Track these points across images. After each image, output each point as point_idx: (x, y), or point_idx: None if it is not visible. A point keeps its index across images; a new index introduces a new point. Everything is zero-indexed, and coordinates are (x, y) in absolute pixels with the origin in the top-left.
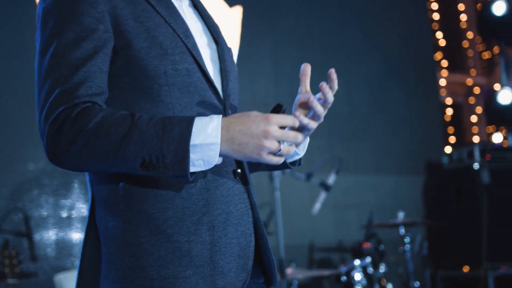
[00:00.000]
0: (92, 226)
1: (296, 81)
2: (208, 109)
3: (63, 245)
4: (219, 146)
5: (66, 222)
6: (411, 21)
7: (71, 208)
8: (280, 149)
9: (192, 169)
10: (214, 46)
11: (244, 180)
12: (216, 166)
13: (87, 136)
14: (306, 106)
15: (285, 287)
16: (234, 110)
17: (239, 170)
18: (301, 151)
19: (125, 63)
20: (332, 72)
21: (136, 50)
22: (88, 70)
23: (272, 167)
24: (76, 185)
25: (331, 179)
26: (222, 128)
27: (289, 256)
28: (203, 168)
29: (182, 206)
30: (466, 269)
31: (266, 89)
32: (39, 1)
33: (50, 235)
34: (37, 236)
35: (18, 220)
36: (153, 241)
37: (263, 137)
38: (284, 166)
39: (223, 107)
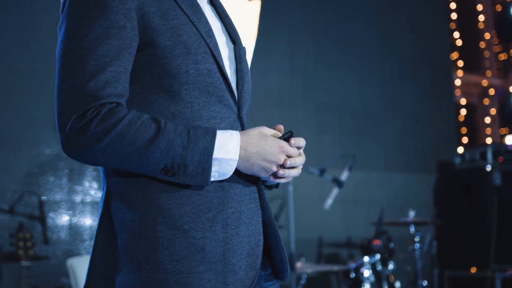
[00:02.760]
0: (106, 217)
1: (311, 76)
2: (224, 109)
3: (75, 230)
4: (236, 162)
5: (79, 207)
6: (429, 19)
7: (85, 193)
8: (280, 173)
9: (211, 178)
10: (231, 45)
11: (255, 180)
12: None
13: (114, 137)
14: None
15: (294, 280)
16: (247, 110)
17: None
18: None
19: (148, 61)
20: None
21: (160, 49)
22: (115, 70)
23: None
24: (90, 171)
25: (344, 176)
26: (241, 147)
27: (298, 250)
28: (216, 179)
29: (198, 203)
30: (473, 270)
31: (280, 83)
32: None
33: (63, 219)
34: (50, 220)
35: (32, 203)
36: (169, 236)
37: (274, 164)
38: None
39: (238, 108)
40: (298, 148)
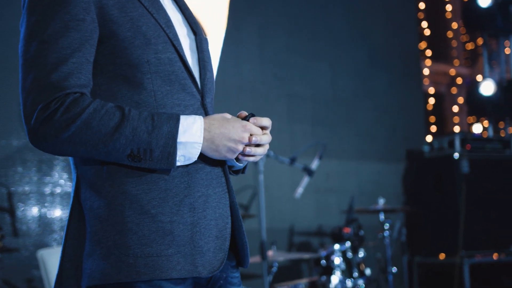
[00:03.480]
0: (76, 206)
1: (282, 65)
2: (187, 97)
3: (45, 221)
4: (201, 145)
5: (49, 198)
6: (397, 9)
7: (55, 184)
8: (245, 153)
9: (175, 166)
10: (192, 36)
11: (221, 165)
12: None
13: (79, 125)
14: None
15: (266, 269)
16: (211, 98)
17: None
18: (243, 163)
19: (109, 52)
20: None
21: (121, 40)
22: (77, 61)
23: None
24: (59, 162)
25: (315, 164)
26: (204, 129)
27: (270, 239)
28: (182, 163)
29: (165, 188)
30: (442, 256)
31: (252, 72)
32: None
33: (33, 211)
34: (19, 212)
35: (1, 195)
36: (138, 220)
37: (239, 142)
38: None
39: (201, 96)
40: (263, 128)
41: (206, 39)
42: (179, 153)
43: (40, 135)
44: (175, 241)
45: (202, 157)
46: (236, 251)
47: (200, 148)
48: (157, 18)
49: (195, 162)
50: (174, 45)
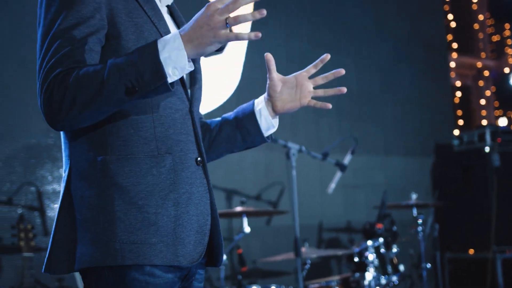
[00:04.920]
0: (67, 196)
1: (307, 60)
2: (178, 102)
3: None
4: (184, 50)
5: None
6: (422, 2)
7: None
8: (227, 22)
9: (170, 79)
10: None
11: (203, 167)
12: (182, 151)
13: (72, 89)
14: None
15: (300, 266)
16: (198, 107)
17: (199, 158)
18: (276, 124)
19: (114, 50)
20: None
21: (125, 40)
22: (79, 47)
23: (247, 145)
24: None
25: (347, 159)
26: (180, 35)
27: (301, 236)
28: (179, 76)
29: (152, 183)
30: (473, 251)
31: (277, 68)
32: None
33: None
34: (49, 211)
35: (31, 194)
36: (125, 210)
37: (209, 20)
38: (261, 141)
39: (189, 103)
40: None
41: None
42: (169, 67)
43: (49, 115)
44: (159, 231)
45: (188, 158)
46: (211, 250)
47: (185, 53)
48: (158, 27)
49: (181, 162)
50: None
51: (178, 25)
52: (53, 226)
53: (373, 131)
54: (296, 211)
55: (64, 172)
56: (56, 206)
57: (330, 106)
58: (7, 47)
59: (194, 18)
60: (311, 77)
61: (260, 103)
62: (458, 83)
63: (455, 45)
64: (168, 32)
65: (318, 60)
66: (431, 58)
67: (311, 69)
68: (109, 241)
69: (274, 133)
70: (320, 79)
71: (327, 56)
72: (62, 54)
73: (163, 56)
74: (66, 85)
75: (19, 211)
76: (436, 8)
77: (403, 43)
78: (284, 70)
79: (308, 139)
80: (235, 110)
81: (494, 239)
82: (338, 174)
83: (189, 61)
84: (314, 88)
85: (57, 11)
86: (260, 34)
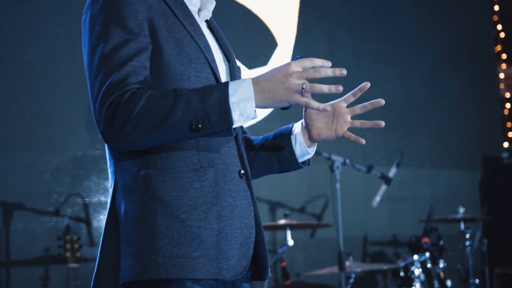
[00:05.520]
0: (112, 210)
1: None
2: None
3: None
4: (253, 99)
5: None
6: (471, 11)
7: None
8: (303, 87)
9: (235, 124)
10: (226, 62)
11: (247, 179)
12: (225, 164)
13: (139, 112)
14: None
15: (344, 280)
16: None
17: (242, 171)
18: (312, 152)
19: (156, 65)
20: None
21: (167, 55)
22: (135, 64)
23: (284, 169)
24: None
25: (392, 172)
26: (253, 83)
27: (345, 249)
28: (243, 123)
29: (194, 196)
30: None
31: (322, 79)
32: (86, 8)
33: None
34: (95, 222)
35: (78, 205)
36: (168, 224)
37: (286, 79)
38: (296, 166)
39: None
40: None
41: (238, 67)
42: (236, 113)
43: (110, 132)
44: (202, 245)
45: (231, 171)
46: (256, 263)
47: (254, 102)
48: (198, 42)
49: (224, 175)
50: (211, 67)
51: (217, 39)
52: (100, 241)
53: (419, 143)
54: (340, 224)
55: (110, 187)
56: (102, 217)
57: (363, 141)
58: (61, 58)
59: (271, 70)
60: (350, 105)
61: (297, 127)
62: (508, 95)
63: (504, 56)
64: (207, 46)
65: (357, 88)
66: (480, 68)
67: (349, 97)
68: (152, 255)
69: (318, 145)
70: (358, 109)
71: (366, 85)
72: (120, 72)
73: (232, 100)
74: (132, 106)
75: (66, 222)
76: (485, 17)
77: (450, 52)
78: (329, 81)
79: (353, 151)
80: (275, 131)
81: None
82: (383, 187)
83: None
84: (352, 118)
85: (103, 29)
86: (341, 88)
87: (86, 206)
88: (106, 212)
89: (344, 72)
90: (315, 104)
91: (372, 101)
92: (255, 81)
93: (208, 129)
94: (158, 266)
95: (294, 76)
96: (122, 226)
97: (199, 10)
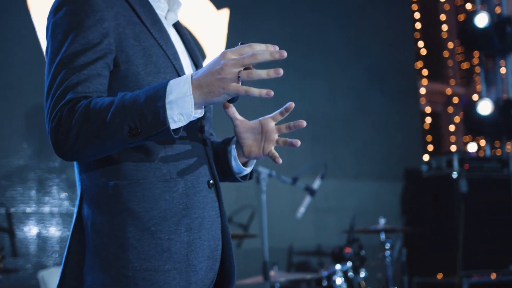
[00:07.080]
0: (79, 221)
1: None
2: (188, 124)
3: (45, 242)
4: (192, 96)
5: (48, 218)
6: (395, 29)
7: (54, 204)
8: (239, 76)
9: (174, 125)
10: (194, 68)
11: (216, 190)
12: (194, 175)
13: (80, 120)
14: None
15: None
16: (208, 127)
17: (212, 181)
18: (249, 167)
19: (123, 76)
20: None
21: (134, 65)
22: (87, 73)
23: (228, 180)
24: (59, 182)
25: (316, 184)
26: (190, 80)
27: (271, 259)
28: (184, 123)
29: (165, 208)
30: (441, 276)
31: (253, 83)
32: (49, 15)
33: (32, 231)
34: (19, 232)
35: (1, 215)
36: (139, 236)
37: (221, 69)
38: (236, 180)
39: (200, 124)
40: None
41: None
42: (174, 112)
43: (57, 144)
44: (172, 258)
45: (200, 182)
46: (223, 273)
47: (192, 100)
48: (166, 50)
49: (193, 186)
50: (179, 75)
51: (185, 43)
52: (65, 252)
53: (345, 155)
54: (265, 234)
55: (77, 198)
56: (27, 227)
57: (280, 161)
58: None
59: (209, 63)
60: (278, 123)
61: (233, 143)
62: (428, 109)
63: (425, 72)
64: (175, 54)
65: (283, 108)
66: (402, 84)
67: (277, 115)
68: (122, 268)
69: None
70: (284, 128)
71: (291, 105)
72: (70, 81)
73: (169, 99)
74: (73, 115)
75: None
76: (407, 35)
77: (376, 68)
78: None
79: (281, 164)
80: (221, 140)
81: (461, 263)
82: (308, 199)
83: (199, 107)
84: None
85: (64, 37)
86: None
87: (9, 216)
88: (72, 223)
89: (284, 54)
90: (255, 91)
91: (293, 122)
92: (194, 76)
93: (146, 131)
94: (128, 280)
95: (230, 64)
96: (89, 238)
97: (168, 12)
